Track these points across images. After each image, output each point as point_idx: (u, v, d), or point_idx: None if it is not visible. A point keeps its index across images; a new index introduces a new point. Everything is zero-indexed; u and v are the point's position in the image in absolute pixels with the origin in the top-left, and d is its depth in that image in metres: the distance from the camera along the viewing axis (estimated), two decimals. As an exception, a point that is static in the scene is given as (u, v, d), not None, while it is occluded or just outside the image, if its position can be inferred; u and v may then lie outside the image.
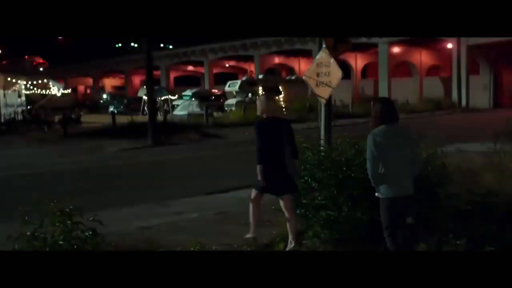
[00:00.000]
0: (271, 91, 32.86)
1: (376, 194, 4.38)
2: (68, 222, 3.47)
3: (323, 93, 9.40)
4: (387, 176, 4.24)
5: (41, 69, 74.77)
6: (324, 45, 9.07)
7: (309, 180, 5.55)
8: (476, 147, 10.57)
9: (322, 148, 5.71)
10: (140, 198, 8.99)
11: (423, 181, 5.87)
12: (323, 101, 9.41)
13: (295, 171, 5.54)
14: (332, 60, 9.11)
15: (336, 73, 9.21)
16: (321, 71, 9.33)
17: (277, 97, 32.94)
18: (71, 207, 3.61)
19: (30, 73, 68.74)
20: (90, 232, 3.54)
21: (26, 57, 73.65)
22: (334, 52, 9.14)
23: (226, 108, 32.77)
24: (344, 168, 5.34)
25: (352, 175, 5.28)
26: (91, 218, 3.70)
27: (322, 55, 9.24)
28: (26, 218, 3.44)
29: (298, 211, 5.80)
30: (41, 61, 76.66)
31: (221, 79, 56.21)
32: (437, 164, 6.16)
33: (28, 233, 3.39)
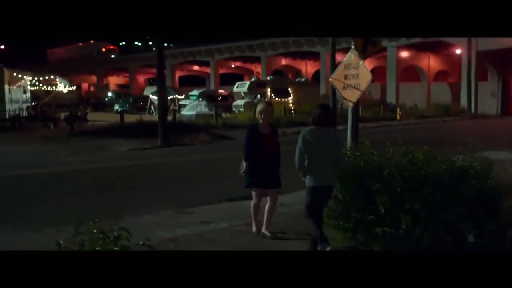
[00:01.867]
0: (280, 93, 32.35)
1: (307, 184, 5.08)
2: (115, 248, 2.90)
3: (351, 96, 8.83)
4: (312, 168, 5.00)
5: (112, 56, 68.16)
6: (352, 46, 8.54)
7: (356, 192, 5.02)
8: (497, 155, 9.96)
9: (375, 157, 5.15)
10: (154, 201, 8.52)
11: (481, 195, 5.35)
12: (351, 105, 8.85)
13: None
14: (361, 62, 8.54)
15: (366, 75, 8.65)
16: (349, 73, 8.76)
17: (286, 99, 32.41)
18: (115, 227, 3.06)
19: (97, 60, 63.83)
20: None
21: (92, 41, 67.43)
22: (363, 54, 8.59)
23: (234, 109, 32.25)
24: (402, 180, 4.79)
25: (411, 187, 4.73)
26: (141, 243, 3.16)
27: (351, 57, 8.66)
28: (61, 242, 2.90)
29: (339, 225, 5.28)
30: (111, 47, 69.17)
31: (227, 79, 55.80)
32: (493, 176, 5.65)
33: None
